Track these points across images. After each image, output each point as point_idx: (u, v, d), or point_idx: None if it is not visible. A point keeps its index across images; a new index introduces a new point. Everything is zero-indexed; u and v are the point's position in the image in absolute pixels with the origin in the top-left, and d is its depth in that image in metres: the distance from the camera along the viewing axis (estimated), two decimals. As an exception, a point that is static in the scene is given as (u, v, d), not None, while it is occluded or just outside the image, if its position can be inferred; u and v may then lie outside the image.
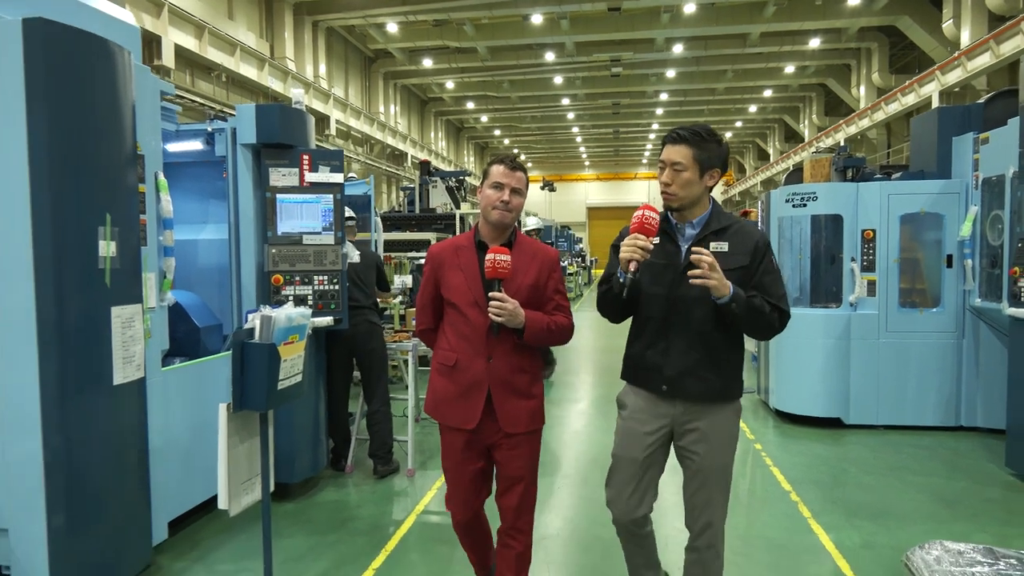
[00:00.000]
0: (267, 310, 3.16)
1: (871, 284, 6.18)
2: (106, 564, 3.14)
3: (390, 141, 26.09)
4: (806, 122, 31.43)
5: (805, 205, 6.32)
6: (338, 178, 4.67)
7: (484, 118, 35.00)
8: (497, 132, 38.74)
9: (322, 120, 20.37)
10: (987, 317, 5.90)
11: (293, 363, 3.27)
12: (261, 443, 3.30)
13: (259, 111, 4.47)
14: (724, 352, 2.53)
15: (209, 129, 4.62)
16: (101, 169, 3.06)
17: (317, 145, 4.77)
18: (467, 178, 13.26)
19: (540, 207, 41.18)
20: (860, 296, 6.17)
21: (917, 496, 4.65)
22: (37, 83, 2.82)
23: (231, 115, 4.65)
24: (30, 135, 2.82)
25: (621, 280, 2.43)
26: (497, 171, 2.67)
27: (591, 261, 33.18)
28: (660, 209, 2.54)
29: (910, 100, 19.72)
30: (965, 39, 17.05)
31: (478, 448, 2.71)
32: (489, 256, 2.54)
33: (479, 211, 2.73)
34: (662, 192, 2.52)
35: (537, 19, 20.65)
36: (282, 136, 4.52)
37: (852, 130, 24.29)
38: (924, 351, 6.15)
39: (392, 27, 21.90)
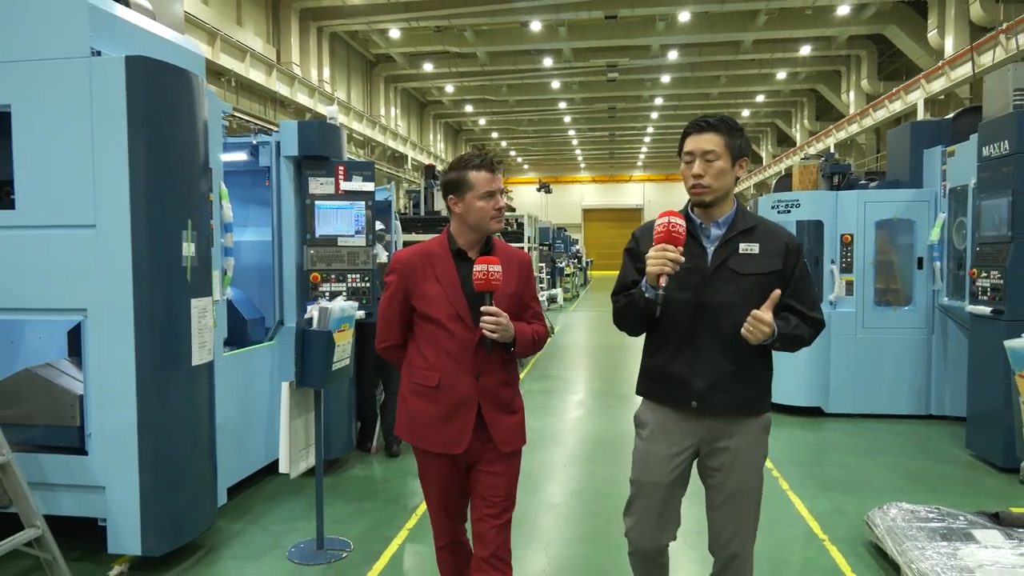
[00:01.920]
0: (324, 303, 3.71)
1: (849, 284, 6.76)
2: (183, 521, 3.66)
3: (391, 143, 26.62)
4: (798, 126, 32.12)
5: (789, 211, 6.88)
6: (369, 186, 5.21)
7: (482, 121, 35.56)
8: (495, 135, 39.28)
9: (326, 123, 20.88)
10: (954, 314, 6.47)
11: (344, 348, 3.82)
12: (316, 417, 3.84)
13: (301, 127, 5.00)
14: (755, 362, 2.33)
15: (254, 142, 5.15)
16: (183, 181, 3.59)
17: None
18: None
19: (536, 208, 41.71)
20: (839, 295, 6.75)
21: (885, 473, 5.21)
22: (136, 110, 3.34)
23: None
24: (130, 154, 3.34)
25: (648, 296, 2.21)
26: (482, 179, 2.42)
27: (587, 262, 33.81)
28: (681, 213, 2.33)
29: (897, 107, 20.35)
30: (949, 48, 17.70)
31: (460, 470, 2.54)
32: (479, 267, 2.33)
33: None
34: (692, 187, 2.29)
35: (536, 26, 21.23)
36: (320, 149, 5.05)
37: (842, 135, 24.94)
38: (897, 346, 6.72)
39: (394, 32, 22.44)
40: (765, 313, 2.15)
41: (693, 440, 2.35)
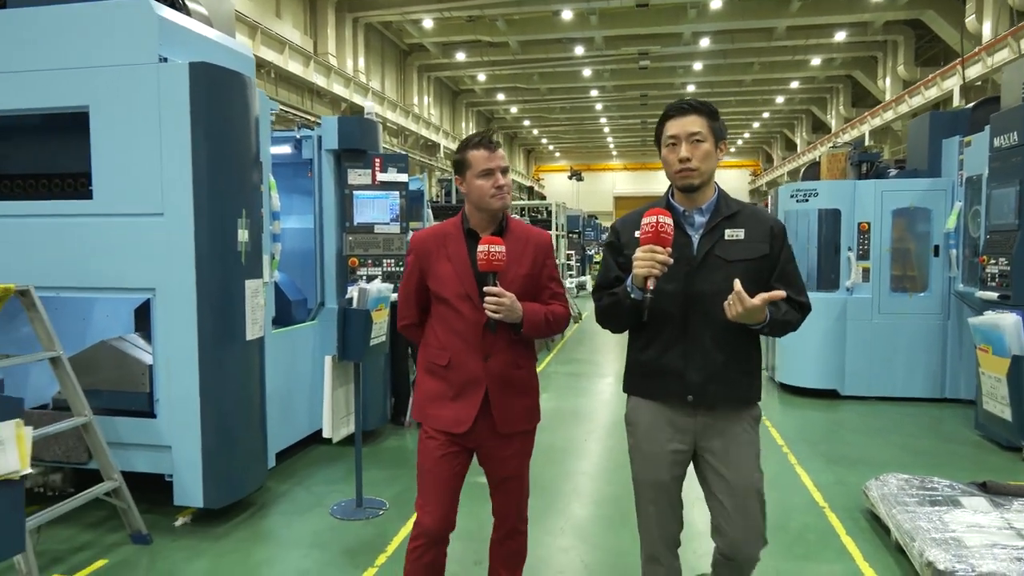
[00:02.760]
0: (363, 284, 4.09)
1: (866, 271, 6.95)
2: (238, 479, 4.09)
3: (423, 132, 27.01)
4: (833, 113, 31.72)
5: (807, 200, 7.09)
6: (403, 178, 5.58)
7: (514, 109, 35.75)
8: (526, 123, 39.46)
9: (360, 112, 21.36)
10: (968, 300, 6.62)
11: (380, 326, 4.21)
12: (355, 388, 4.23)
13: (341, 122, 5.38)
14: (748, 349, 2.31)
15: (298, 136, 5.55)
16: (239, 173, 3.99)
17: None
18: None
19: (568, 196, 41.88)
20: (856, 282, 6.95)
21: (892, 450, 5.45)
22: (198, 110, 3.74)
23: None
24: (193, 149, 3.74)
25: (634, 297, 2.16)
26: (480, 156, 2.44)
27: (617, 249, 33.94)
28: (664, 208, 2.24)
29: (933, 93, 20.09)
30: (987, 34, 17.44)
31: (463, 451, 2.52)
32: (482, 248, 2.30)
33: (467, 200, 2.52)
34: (679, 171, 2.23)
35: (567, 15, 21.35)
36: (359, 142, 5.43)
37: (877, 122, 24.65)
38: (912, 331, 6.91)
39: (428, 23, 22.75)
40: (755, 299, 2.07)
41: (688, 435, 2.30)
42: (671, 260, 2.10)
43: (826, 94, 32.22)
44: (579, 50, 24.40)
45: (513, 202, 17.35)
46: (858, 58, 26.32)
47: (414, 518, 2.54)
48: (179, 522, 3.98)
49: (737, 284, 2.08)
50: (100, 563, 3.52)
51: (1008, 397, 2.33)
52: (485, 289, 2.33)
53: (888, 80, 24.57)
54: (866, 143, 24.50)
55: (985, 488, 3.85)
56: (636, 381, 2.39)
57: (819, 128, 36.20)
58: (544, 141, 45.58)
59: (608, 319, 2.36)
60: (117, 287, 3.93)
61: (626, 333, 2.42)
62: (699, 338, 2.24)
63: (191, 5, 4.33)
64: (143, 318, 4.54)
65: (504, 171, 2.46)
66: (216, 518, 4.03)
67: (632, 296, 2.17)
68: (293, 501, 4.39)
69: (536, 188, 35.04)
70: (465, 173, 2.47)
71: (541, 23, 22.63)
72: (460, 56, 25.51)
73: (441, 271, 2.49)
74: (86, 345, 4.29)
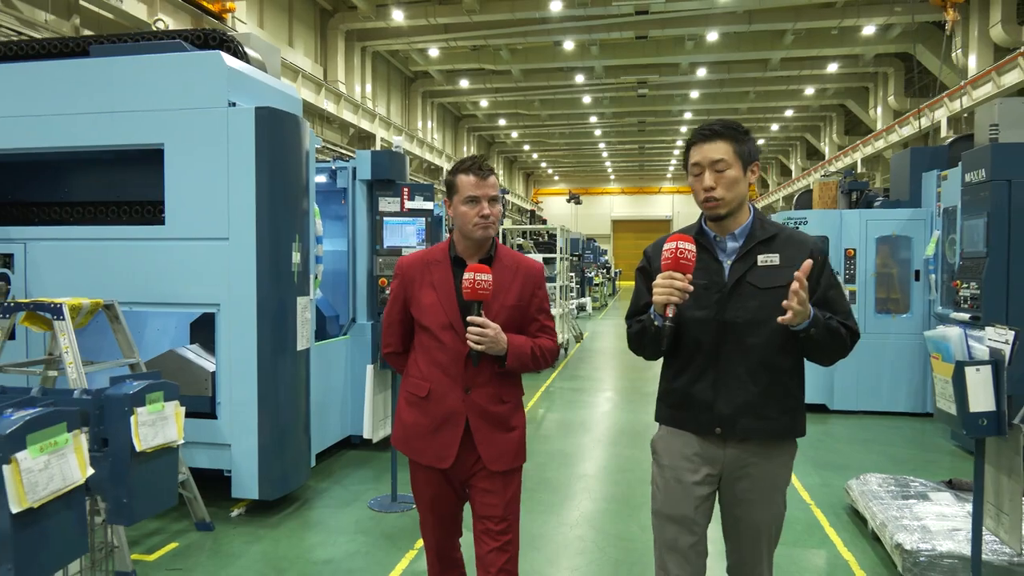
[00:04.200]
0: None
1: (852, 294, 7.49)
2: (288, 475, 4.57)
3: (427, 156, 27.68)
4: (827, 140, 32.53)
5: (798, 228, 7.64)
6: (429, 205, 6.11)
7: (515, 134, 36.53)
8: (527, 147, 40.23)
9: (368, 138, 22.01)
10: (947, 322, 7.17)
11: (415, 339, 4.71)
12: (392, 394, 4.73)
13: (373, 155, 5.93)
14: (787, 382, 2.18)
15: (333, 167, 6.09)
16: (293, 203, 4.52)
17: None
18: (506, 195, 14.70)
19: (566, 219, 42.55)
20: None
21: (875, 457, 5.95)
22: (262, 147, 4.28)
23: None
24: (256, 184, 4.28)
25: (657, 324, 2.10)
26: (468, 182, 2.34)
27: (615, 272, 34.59)
28: (689, 235, 2.15)
29: (922, 123, 20.83)
30: (972, 68, 18.20)
31: (453, 486, 2.44)
32: (467, 276, 2.23)
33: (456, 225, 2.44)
34: (704, 200, 2.15)
35: (569, 45, 22.12)
36: (389, 173, 5.97)
37: (869, 150, 25.39)
38: (896, 349, 7.43)
39: (433, 51, 23.50)
40: (792, 300, 1.96)
41: (716, 469, 2.19)
42: (691, 288, 2.03)
43: (820, 122, 33.08)
44: (580, 78, 25.17)
45: (514, 226, 17.88)
46: (850, 88, 27.14)
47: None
48: (235, 513, 4.45)
49: (795, 283, 1.96)
50: (172, 545, 3.99)
51: (953, 395, 2.85)
52: (468, 319, 2.26)
53: (879, 110, 25.36)
54: (858, 170, 25.24)
55: (951, 485, 4.36)
56: (667, 411, 2.30)
57: (813, 155, 37.02)
58: (543, 165, 46.37)
59: (638, 346, 2.27)
60: (185, 303, 4.45)
61: (639, 359, 2.40)
62: (731, 368, 2.15)
63: (249, 52, 4.89)
64: (198, 331, 5.07)
65: (492, 200, 2.36)
66: (267, 510, 4.51)
67: (656, 323, 2.10)
68: (333, 496, 4.87)
69: (536, 212, 35.66)
70: (453, 197, 2.39)
71: (543, 53, 23.40)
72: (464, 83, 26.26)
73: (424, 299, 2.40)
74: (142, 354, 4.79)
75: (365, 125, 21.40)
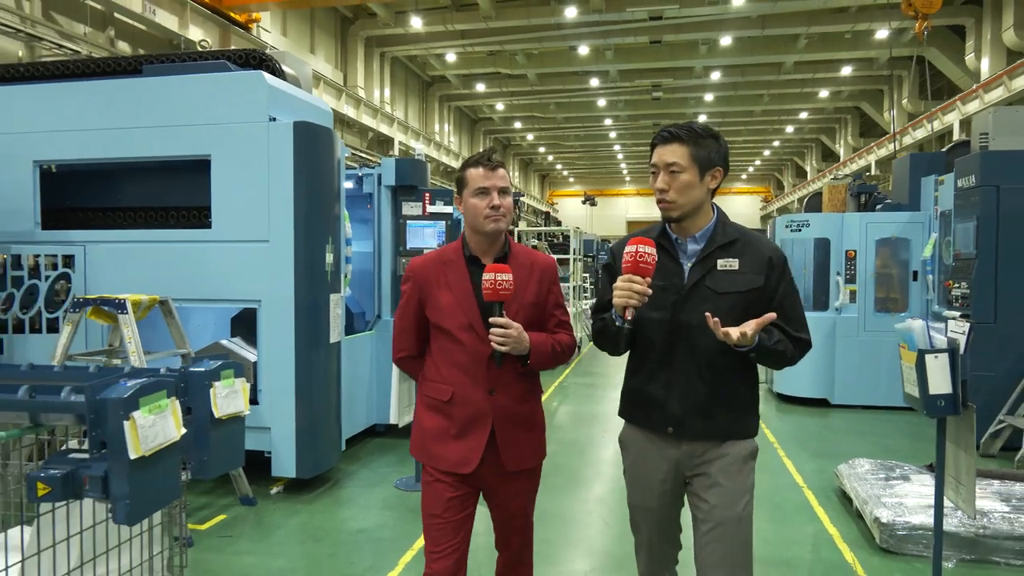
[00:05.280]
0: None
1: (852, 293, 7.82)
2: (322, 456, 5.01)
3: (444, 159, 28.17)
4: (842, 142, 32.65)
5: (800, 230, 7.99)
6: (449, 209, 6.53)
7: (530, 136, 36.96)
8: (542, 149, 40.64)
9: (387, 141, 22.52)
10: (942, 319, 7.48)
11: (438, 333, 5.12)
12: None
13: (397, 163, 6.37)
14: (736, 384, 2.22)
15: (359, 174, 6.53)
16: (327, 208, 4.96)
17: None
18: (521, 198, 15.09)
19: (581, 220, 42.90)
20: (844, 303, 7.82)
21: (868, 447, 6.29)
22: (300, 158, 4.72)
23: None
24: (295, 191, 4.71)
25: (618, 324, 2.11)
26: (476, 175, 2.32)
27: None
28: (650, 239, 2.15)
29: (935, 126, 21.00)
30: (985, 71, 18.37)
31: (471, 493, 2.37)
32: (488, 276, 2.21)
33: (465, 222, 2.41)
34: (658, 201, 2.20)
35: (584, 50, 22.50)
36: (412, 180, 6.40)
37: (883, 152, 25.54)
38: (895, 347, 7.66)
39: (451, 56, 23.97)
40: (736, 329, 2.03)
41: (672, 465, 2.24)
42: (650, 291, 2.06)
43: (835, 124, 33.18)
44: (594, 82, 25.53)
45: (529, 227, 18.22)
46: (865, 91, 27.28)
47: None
48: (274, 490, 4.89)
49: (710, 320, 2.05)
50: (221, 517, 4.44)
51: (916, 380, 3.21)
52: (491, 320, 2.22)
53: (894, 112, 25.49)
54: (873, 172, 25.37)
55: (931, 468, 4.70)
56: (627, 408, 2.36)
57: (828, 156, 37.09)
58: (559, 167, 46.75)
59: (601, 342, 2.30)
60: (230, 299, 4.90)
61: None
62: (683, 370, 2.18)
63: (285, 70, 5.33)
64: (238, 325, 5.52)
65: (503, 192, 2.33)
66: (303, 488, 4.95)
67: (618, 324, 2.12)
68: (361, 478, 5.30)
69: (552, 213, 36.06)
70: (463, 191, 2.38)
71: (559, 57, 23.79)
72: (480, 87, 26.72)
73: (441, 300, 2.35)
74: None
75: (384, 129, 21.91)
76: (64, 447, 2.26)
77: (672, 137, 2.18)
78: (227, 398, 2.54)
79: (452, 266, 2.38)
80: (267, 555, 3.93)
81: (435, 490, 2.36)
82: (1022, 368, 5.97)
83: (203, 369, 2.47)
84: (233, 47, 13.29)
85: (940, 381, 3.16)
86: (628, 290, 2.05)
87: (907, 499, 4.16)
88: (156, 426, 2.11)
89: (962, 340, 3.19)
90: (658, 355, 2.21)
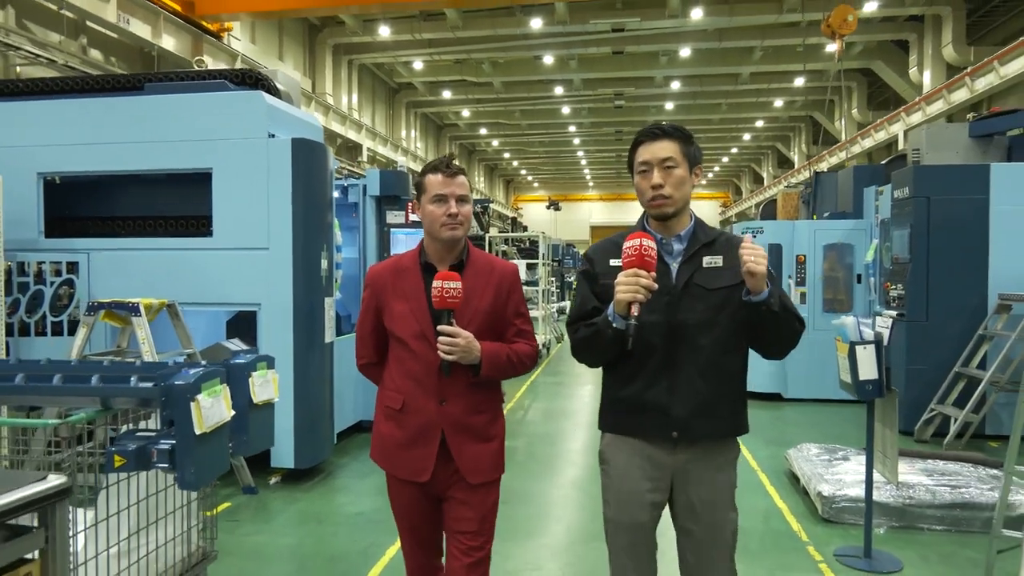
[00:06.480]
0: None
1: (803, 295, 8.44)
2: (317, 448, 5.38)
3: (411, 164, 28.48)
4: (796, 150, 33.87)
5: (755, 236, 8.56)
6: (430, 218, 6.95)
7: (495, 142, 37.47)
8: (507, 155, 41.20)
9: (355, 148, 22.78)
10: (882, 318, 8.14)
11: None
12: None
13: (382, 174, 6.78)
14: (734, 382, 2.21)
15: (345, 184, 6.92)
16: (321, 217, 5.34)
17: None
18: (491, 205, 15.57)
19: (546, 225, 43.48)
20: (795, 304, 8.43)
21: (817, 436, 6.85)
22: (297, 172, 5.09)
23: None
24: (293, 202, 5.09)
25: (617, 326, 2.05)
26: (435, 181, 2.29)
27: (594, 277, 35.57)
28: (649, 233, 2.16)
29: (882, 136, 22.08)
30: (927, 84, 19.43)
31: (432, 500, 2.38)
32: (436, 284, 2.17)
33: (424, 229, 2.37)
34: (652, 199, 2.16)
35: (548, 59, 23.08)
36: (395, 190, 6.81)
37: (834, 160, 26.65)
38: (841, 344, 8.37)
39: (418, 64, 24.34)
40: (752, 259, 1.99)
41: (666, 475, 2.19)
42: (655, 285, 2.01)
43: (789, 132, 34.39)
44: (559, 90, 26.16)
45: (498, 233, 18.67)
46: (817, 101, 28.39)
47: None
48: (273, 481, 5.25)
49: (746, 244, 2.03)
50: (225, 505, 4.78)
51: (848, 369, 3.75)
52: (439, 328, 2.20)
53: (844, 122, 26.62)
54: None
55: (869, 450, 5.27)
56: (616, 419, 2.26)
57: (784, 163, 38.34)
58: (523, 172, 47.36)
59: (587, 351, 2.23)
60: (231, 303, 5.25)
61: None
62: (686, 371, 2.13)
63: (279, 87, 5.70)
64: (236, 327, 5.86)
65: (461, 200, 2.30)
66: (300, 479, 5.31)
67: (615, 325, 2.05)
68: (353, 469, 5.68)
69: (517, 218, 36.59)
70: (421, 197, 2.35)
71: (524, 66, 24.34)
72: (446, 94, 27.14)
73: (396, 308, 2.34)
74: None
75: (352, 136, 22.17)
76: (116, 429, 2.64)
77: (663, 133, 2.17)
78: (262, 386, 2.94)
79: (407, 273, 2.37)
80: (275, 535, 4.31)
81: (396, 494, 2.44)
82: (951, 361, 6.61)
83: (242, 361, 2.86)
84: (206, 56, 13.51)
85: (868, 368, 3.70)
86: (634, 284, 1.99)
87: (846, 476, 4.71)
88: (214, 408, 2.50)
89: (886, 333, 3.74)
90: (657, 359, 2.15)
